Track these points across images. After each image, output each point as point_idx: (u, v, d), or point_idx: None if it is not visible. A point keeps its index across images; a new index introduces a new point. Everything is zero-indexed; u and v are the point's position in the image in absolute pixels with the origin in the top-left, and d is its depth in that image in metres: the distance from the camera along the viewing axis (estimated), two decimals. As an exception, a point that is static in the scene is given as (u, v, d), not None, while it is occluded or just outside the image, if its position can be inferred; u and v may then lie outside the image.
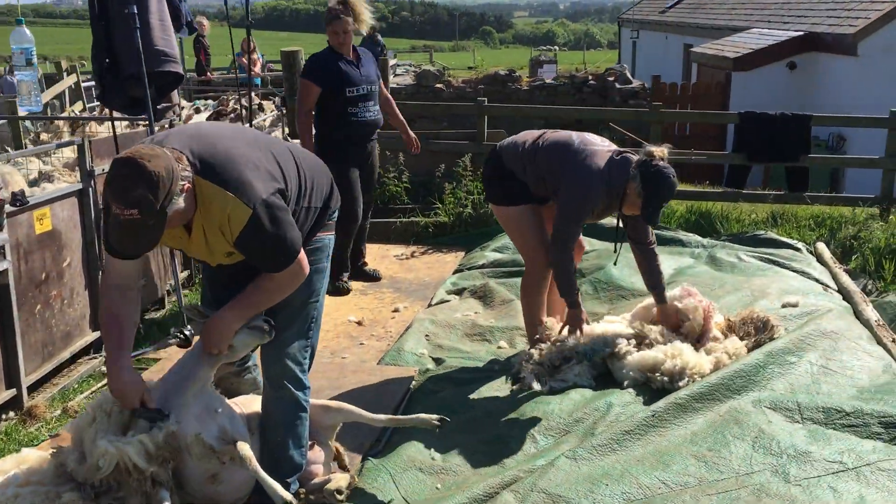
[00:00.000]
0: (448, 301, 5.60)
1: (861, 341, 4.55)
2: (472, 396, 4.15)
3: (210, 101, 11.38)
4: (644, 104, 14.80)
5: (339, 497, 3.13)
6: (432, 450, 3.60)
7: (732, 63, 14.44)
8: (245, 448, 2.87)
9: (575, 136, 4.38)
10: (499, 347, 4.85)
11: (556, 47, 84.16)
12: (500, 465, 3.48)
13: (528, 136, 4.53)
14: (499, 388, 4.24)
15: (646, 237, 4.47)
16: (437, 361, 4.65)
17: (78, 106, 10.09)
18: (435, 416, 3.41)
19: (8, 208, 3.83)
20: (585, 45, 78.03)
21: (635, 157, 4.22)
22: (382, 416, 3.51)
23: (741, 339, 4.41)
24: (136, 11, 3.63)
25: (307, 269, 2.93)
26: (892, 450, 3.50)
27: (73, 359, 4.53)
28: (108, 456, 2.71)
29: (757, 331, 4.42)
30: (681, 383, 4.04)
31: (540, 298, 4.60)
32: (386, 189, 7.82)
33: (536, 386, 4.17)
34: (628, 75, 14.61)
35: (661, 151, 4.22)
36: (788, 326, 4.70)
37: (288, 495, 2.83)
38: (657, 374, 4.11)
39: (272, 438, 3.13)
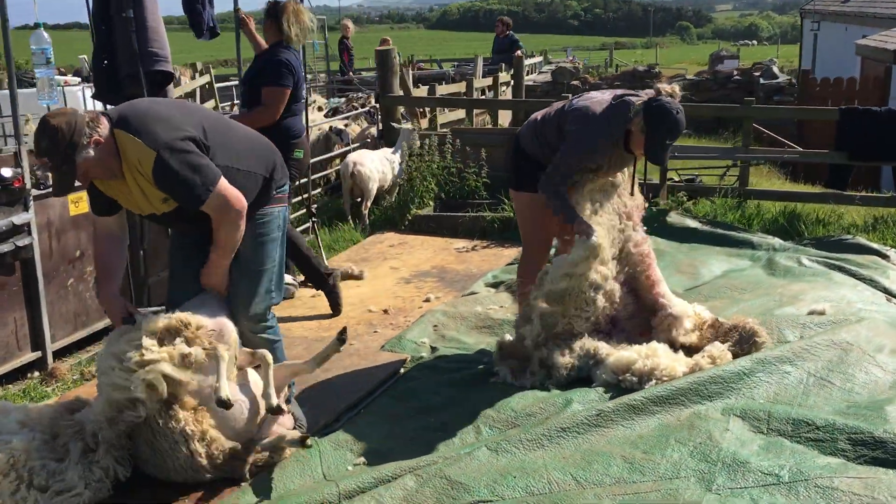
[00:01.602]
0: (477, 294, 5.67)
1: (880, 355, 4.17)
2: (442, 386, 4.22)
3: (342, 100, 11.99)
4: (791, 100, 14.02)
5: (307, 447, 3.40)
6: (369, 433, 3.72)
7: (893, 55, 13.22)
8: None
9: (572, 99, 4.33)
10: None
11: (754, 42, 80.00)
12: (427, 452, 3.54)
13: (538, 113, 4.50)
14: (474, 379, 4.28)
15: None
16: (434, 350, 4.75)
17: (210, 104, 10.97)
18: (336, 334, 3.67)
19: (35, 192, 4.35)
20: (791, 38, 73.35)
21: (639, 99, 4.09)
22: (307, 361, 3.76)
23: (723, 343, 4.19)
24: (132, 16, 4.04)
25: (237, 200, 3.31)
26: (847, 467, 3.27)
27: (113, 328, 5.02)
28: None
29: (742, 340, 4.18)
30: (648, 384, 3.92)
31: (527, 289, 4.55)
32: (465, 184, 7.94)
33: (509, 380, 4.18)
34: (775, 70, 13.87)
35: (669, 88, 4.08)
36: (805, 334, 4.42)
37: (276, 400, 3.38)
38: (627, 374, 4.01)
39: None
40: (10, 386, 4.36)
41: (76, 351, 4.80)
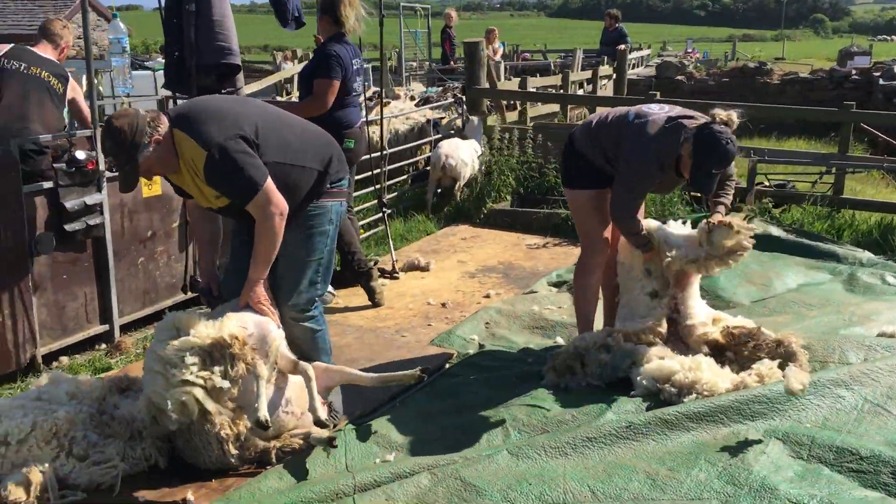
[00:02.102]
0: (536, 292, 5.63)
1: (953, 384, 3.90)
2: (481, 385, 4.22)
3: (439, 89, 12.06)
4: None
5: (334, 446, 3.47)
6: (400, 428, 3.75)
7: None
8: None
9: (632, 110, 4.27)
10: (554, 343, 4.82)
11: (893, 38, 75.40)
12: (450, 451, 3.55)
13: (594, 116, 4.48)
14: (514, 380, 4.26)
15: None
16: (481, 348, 4.74)
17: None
18: (416, 370, 3.78)
19: (108, 174, 4.59)
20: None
21: (690, 122, 4.01)
22: (370, 375, 3.82)
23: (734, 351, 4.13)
24: (194, 9, 4.19)
25: (279, 203, 3.41)
26: (885, 502, 3.08)
27: (180, 307, 5.24)
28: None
29: (781, 356, 4.01)
30: (686, 398, 3.81)
31: (588, 281, 4.48)
32: (545, 179, 7.86)
33: (553, 382, 4.14)
34: (896, 70, 13.04)
35: (725, 116, 3.98)
36: (870, 357, 4.18)
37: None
38: (667, 385, 3.90)
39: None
40: (77, 356, 4.63)
41: (142, 326, 5.04)
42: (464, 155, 7.80)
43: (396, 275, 6.11)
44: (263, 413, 3.28)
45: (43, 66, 4.71)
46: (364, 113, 5.90)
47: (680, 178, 4.13)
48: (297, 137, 3.63)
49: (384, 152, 6.96)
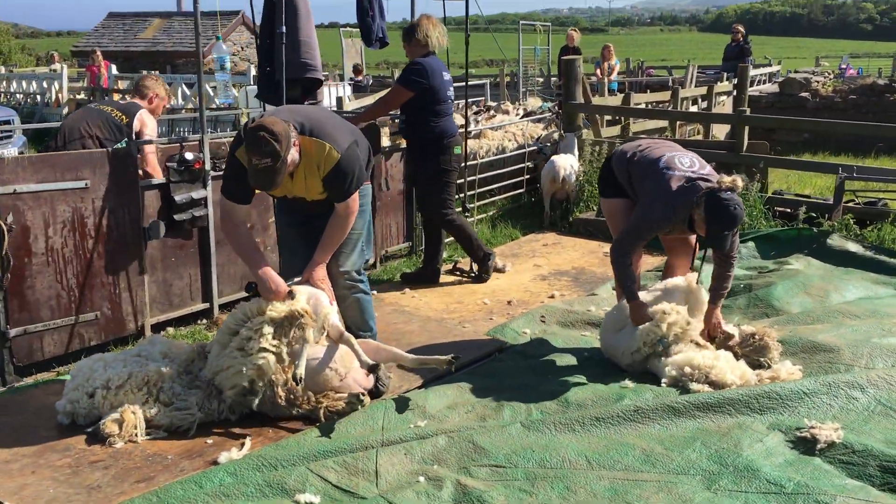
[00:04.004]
0: (597, 295, 5.97)
1: (972, 394, 4.00)
2: (520, 370, 4.64)
3: (553, 104, 12.47)
4: None
5: (362, 402, 4.03)
6: (436, 401, 4.23)
7: None
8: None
9: (665, 158, 4.60)
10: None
11: None
12: (473, 422, 4.01)
13: (632, 145, 4.86)
14: (552, 368, 4.66)
15: (728, 252, 4.52)
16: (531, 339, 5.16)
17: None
18: (448, 357, 4.28)
19: (213, 173, 5.34)
20: None
21: (705, 185, 4.34)
22: (412, 357, 4.39)
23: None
24: (285, 31, 4.87)
25: (357, 206, 4.17)
26: (864, 490, 3.32)
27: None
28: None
29: (754, 350, 4.41)
30: (694, 386, 4.13)
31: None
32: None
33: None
34: None
35: (730, 181, 4.31)
36: (900, 363, 4.32)
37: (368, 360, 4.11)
38: (687, 368, 4.24)
39: (353, 322, 4.42)
40: (181, 328, 5.39)
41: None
42: (575, 169, 8.19)
43: (473, 274, 6.59)
44: (301, 371, 3.89)
45: (112, 105, 5.61)
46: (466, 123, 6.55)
47: (692, 231, 4.49)
48: (358, 136, 4.31)
49: (468, 163, 7.47)
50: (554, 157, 8.29)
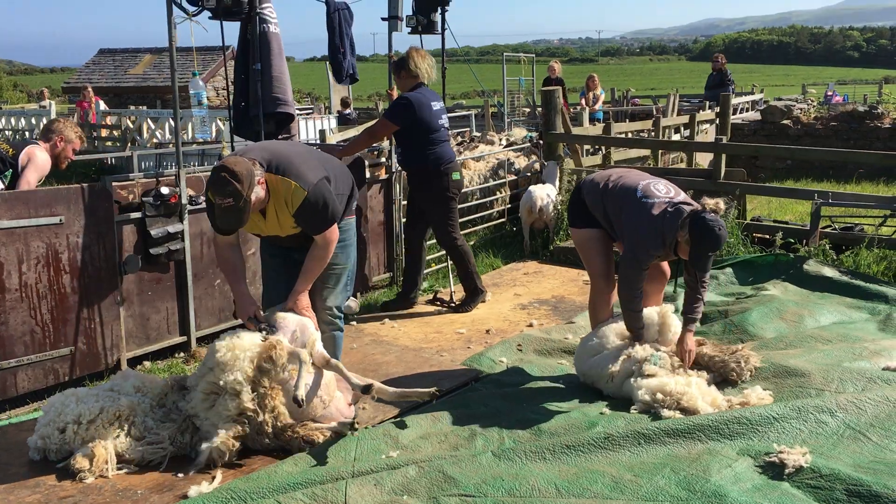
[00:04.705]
0: (575, 323, 6.00)
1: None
2: (495, 398, 4.65)
3: (535, 134, 12.59)
4: None
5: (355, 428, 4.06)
6: (409, 431, 4.23)
7: None
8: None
9: (640, 186, 4.64)
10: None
11: None
12: (446, 451, 4.01)
13: (603, 175, 4.90)
14: (526, 395, 4.67)
15: (701, 275, 4.56)
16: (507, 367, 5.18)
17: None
18: (432, 389, 4.36)
19: (189, 206, 5.37)
20: None
21: (688, 209, 4.41)
22: (392, 390, 4.37)
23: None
24: (259, 68, 4.94)
25: (336, 235, 4.21)
26: (830, 516, 3.31)
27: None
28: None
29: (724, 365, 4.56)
30: (665, 412, 4.15)
31: (599, 317, 4.93)
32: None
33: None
34: None
35: (713, 204, 4.38)
36: (868, 388, 4.35)
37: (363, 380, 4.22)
38: (659, 394, 4.26)
39: None
40: (158, 361, 5.39)
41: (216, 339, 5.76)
42: (552, 199, 8.28)
43: (453, 304, 6.62)
44: (301, 393, 3.93)
45: (6, 141, 5.55)
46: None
47: (674, 255, 4.55)
48: (336, 170, 4.38)
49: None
50: (531, 188, 8.37)
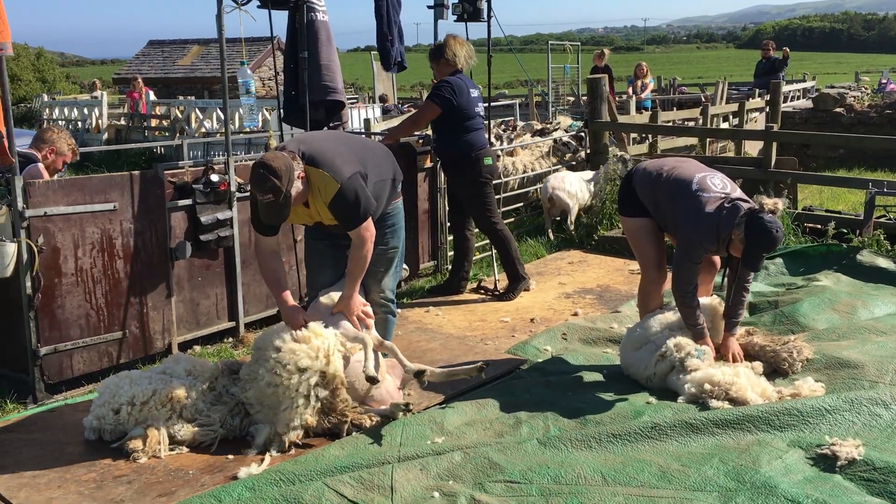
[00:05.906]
0: (621, 312, 5.96)
1: None
2: (539, 386, 4.65)
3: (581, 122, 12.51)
4: None
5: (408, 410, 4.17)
6: (454, 418, 4.25)
7: None
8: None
9: (696, 179, 4.57)
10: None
11: None
12: (490, 438, 4.02)
13: (656, 164, 4.84)
14: (570, 384, 4.66)
15: (746, 275, 4.52)
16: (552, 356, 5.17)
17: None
18: (477, 364, 4.43)
19: (238, 194, 5.44)
20: None
21: (746, 206, 4.34)
22: (440, 370, 4.48)
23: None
24: (307, 56, 4.98)
25: (372, 233, 4.20)
26: (882, 508, 3.26)
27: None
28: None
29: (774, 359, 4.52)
30: (714, 402, 4.11)
31: (649, 306, 4.87)
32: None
33: None
34: None
35: (772, 204, 4.32)
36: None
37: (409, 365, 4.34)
38: (707, 385, 4.22)
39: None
40: (208, 346, 5.48)
41: (264, 325, 5.84)
42: (570, 186, 8.23)
43: (497, 292, 6.62)
44: (371, 371, 4.04)
45: None
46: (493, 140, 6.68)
47: (725, 252, 4.50)
48: (379, 157, 4.43)
49: (499, 181, 7.52)
50: (549, 177, 8.38)
